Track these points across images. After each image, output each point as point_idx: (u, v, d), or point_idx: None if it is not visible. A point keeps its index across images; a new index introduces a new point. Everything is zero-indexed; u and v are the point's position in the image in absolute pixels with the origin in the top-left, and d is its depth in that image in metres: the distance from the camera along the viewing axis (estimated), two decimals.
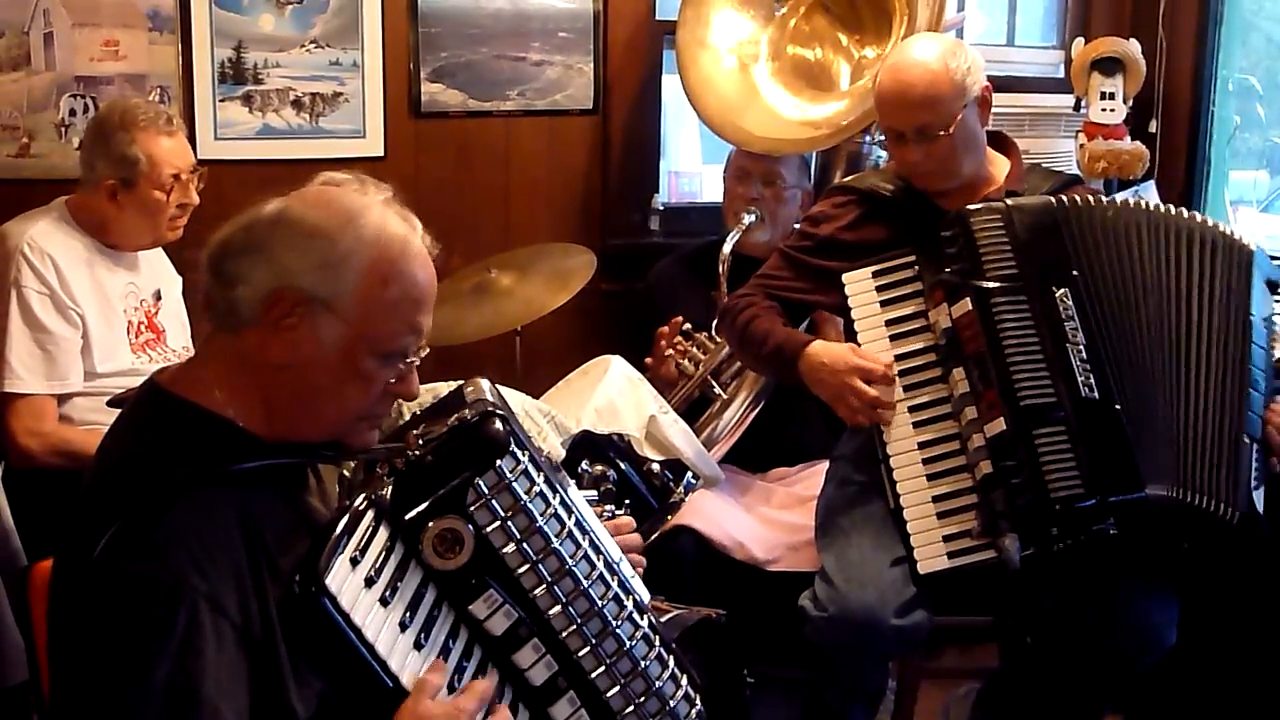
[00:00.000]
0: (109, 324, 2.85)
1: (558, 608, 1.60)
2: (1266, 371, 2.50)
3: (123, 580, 1.39)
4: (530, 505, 1.58)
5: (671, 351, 3.20)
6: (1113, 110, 3.79)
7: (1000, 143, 2.75)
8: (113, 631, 1.38)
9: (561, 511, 1.63)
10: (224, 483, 1.48)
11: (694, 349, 3.20)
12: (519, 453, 1.59)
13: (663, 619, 1.82)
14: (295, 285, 1.51)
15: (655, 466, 2.43)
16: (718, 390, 3.14)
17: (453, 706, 1.46)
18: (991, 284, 2.43)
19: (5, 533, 2.54)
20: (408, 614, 1.50)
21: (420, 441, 1.59)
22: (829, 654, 2.53)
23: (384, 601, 1.47)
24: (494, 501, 1.55)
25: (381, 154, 3.62)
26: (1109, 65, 3.79)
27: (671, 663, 1.73)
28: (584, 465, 2.13)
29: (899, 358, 2.52)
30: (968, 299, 2.43)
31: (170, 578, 1.38)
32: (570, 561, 1.61)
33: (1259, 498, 2.48)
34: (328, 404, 1.56)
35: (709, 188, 4.18)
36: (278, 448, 1.56)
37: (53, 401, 2.77)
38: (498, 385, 1.79)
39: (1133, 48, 3.80)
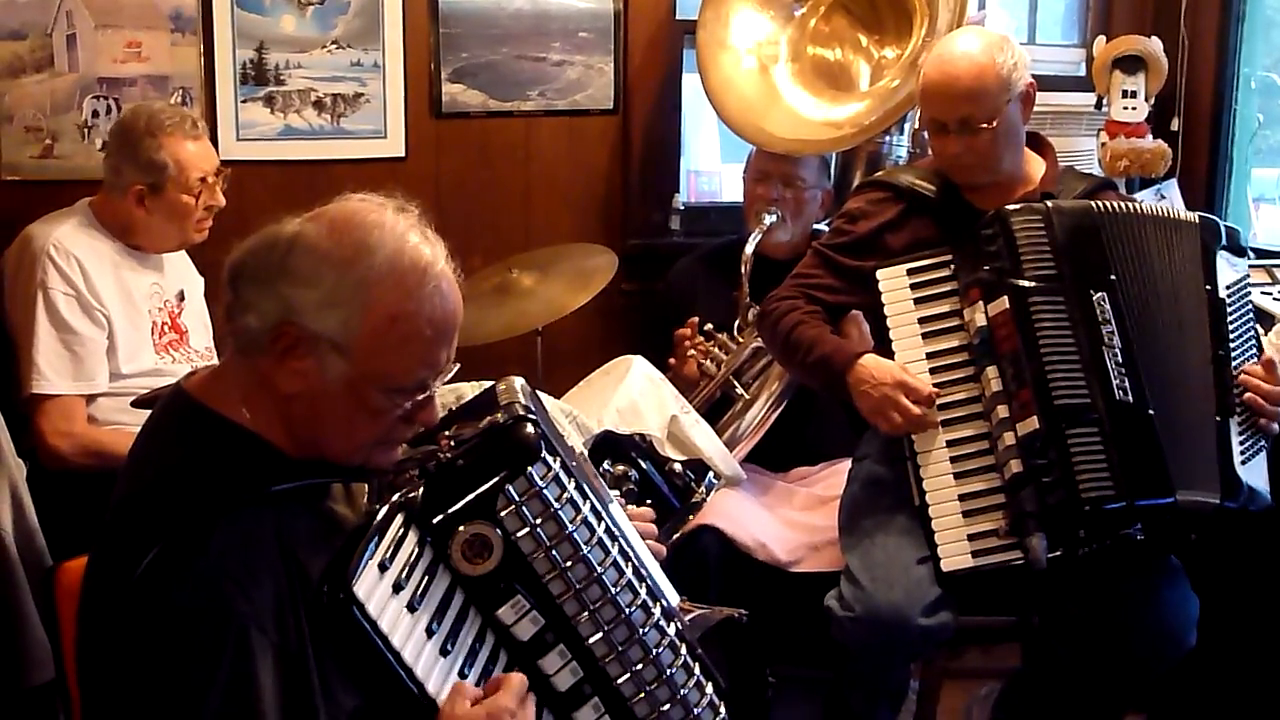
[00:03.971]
0: (134, 324, 2.87)
1: (584, 614, 1.60)
2: (1237, 340, 2.51)
3: (169, 608, 1.38)
4: (560, 512, 1.57)
5: (693, 351, 3.20)
6: (1134, 108, 3.78)
7: (1036, 143, 2.74)
8: (163, 660, 1.38)
9: (591, 518, 1.62)
10: (259, 503, 1.48)
11: (716, 349, 3.20)
12: (550, 458, 1.58)
13: (686, 619, 1.82)
14: (300, 322, 1.49)
15: (677, 466, 2.43)
16: (740, 390, 3.14)
17: (492, 705, 1.45)
18: (1029, 283, 2.43)
19: (30, 533, 2.55)
20: (435, 619, 1.50)
21: (452, 443, 1.58)
22: (855, 654, 2.53)
23: (411, 607, 1.47)
24: (524, 508, 1.54)
25: (402, 154, 3.63)
26: (1131, 63, 3.78)
27: (697, 669, 1.73)
28: (606, 465, 2.13)
29: (930, 355, 2.52)
30: (1005, 297, 2.43)
31: (216, 605, 1.38)
32: (599, 569, 1.60)
33: (1254, 470, 2.48)
34: (339, 433, 1.55)
35: (728, 187, 4.17)
36: (305, 464, 1.55)
37: (81, 402, 2.78)
38: (532, 387, 1.78)
39: (1154, 46, 3.79)
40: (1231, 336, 2.51)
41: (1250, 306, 2.61)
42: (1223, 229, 2.58)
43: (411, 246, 1.53)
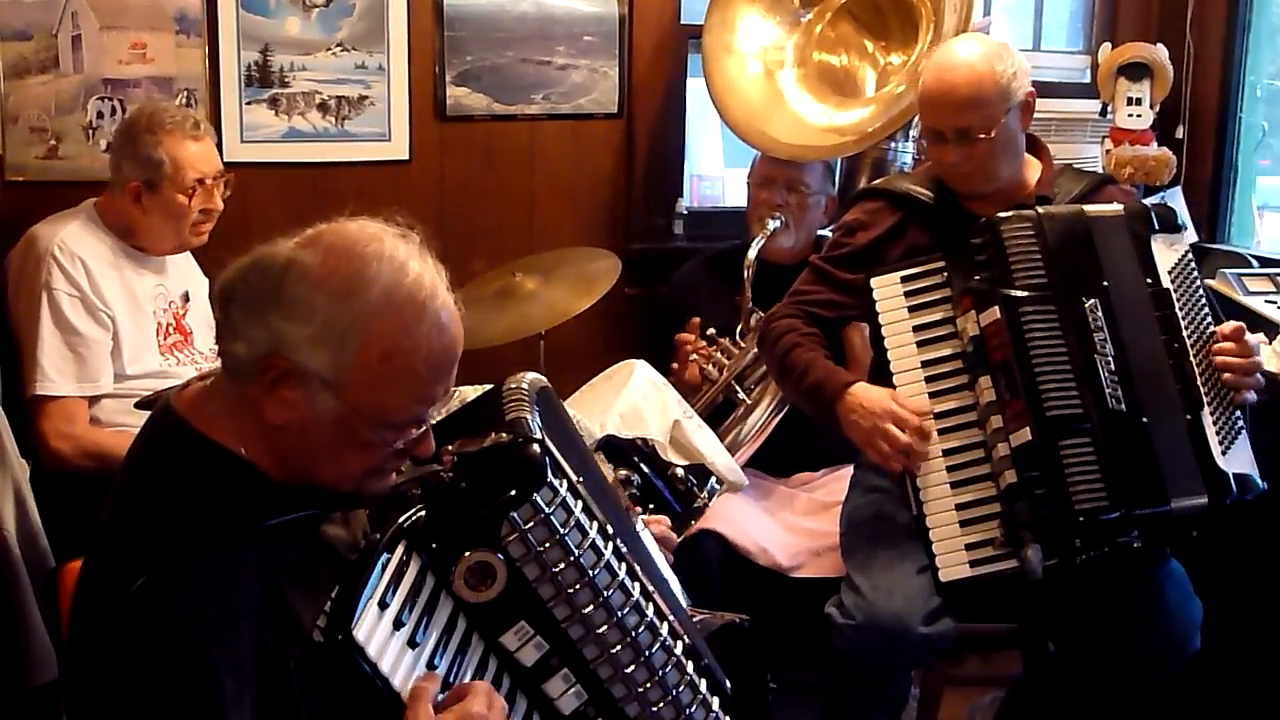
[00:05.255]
0: (138, 326, 2.87)
1: (589, 639, 1.57)
2: (1191, 325, 2.48)
3: (148, 643, 1.37)
4: (566, 537, 1.52)
5: (695, 356, 3.20)
6: (1139, 116, 3.78)
7: (1031, 145, 2.73)
8: (137, 696, 1.37)
9: (599, 540, 1.57)
10: (246, 538, 1.44)
11: (718, 354, 3.20)
12: (557, 481, 1.52)
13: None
14: (289, 356, 1.44)
15: (679, 471, 2.43)
16: (742, 395, 3.14)
17: (461, 710, 1.40)
18: (1020, 293, 2.42)
19: (33, 533, 2.55)
20: (436, 651, 1.46)
21: (455, 459, 1.54)
22: (855, 662, 2.52)
23: (413, 643, 1.43)
24: (529, 535, 1.50)
25: (406, 157, 3.63)
26: (1136, 70, 3.78)
27: (703, 685, 1.71)
28: (608, 470, 2.12)
29: (925, 364, 2.51)
30: (996, 307, 2.42)
31: (193, 649, 1.35)
32: (605, 593, 1.56)
33: (1238, 456, 2.45)
34: (329, 463, 1.50)
35: (731, 192, 4.18)
36: (295, 491, 1.51)
37: (84, 404, 2.78)
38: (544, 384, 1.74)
39: (1160, 53, 3.79)
40: (1185, 322, 2.47)
41: (1199, 283, 2.55)
42: (1152, 213, 2.54)
43: (410, 280, 1.47)
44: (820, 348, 2.68)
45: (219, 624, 1.38)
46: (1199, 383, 2.44)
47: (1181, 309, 2.48)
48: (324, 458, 1.50)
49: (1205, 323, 2.52)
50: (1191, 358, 2.45)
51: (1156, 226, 2.53)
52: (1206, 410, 2.43)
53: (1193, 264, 2.55)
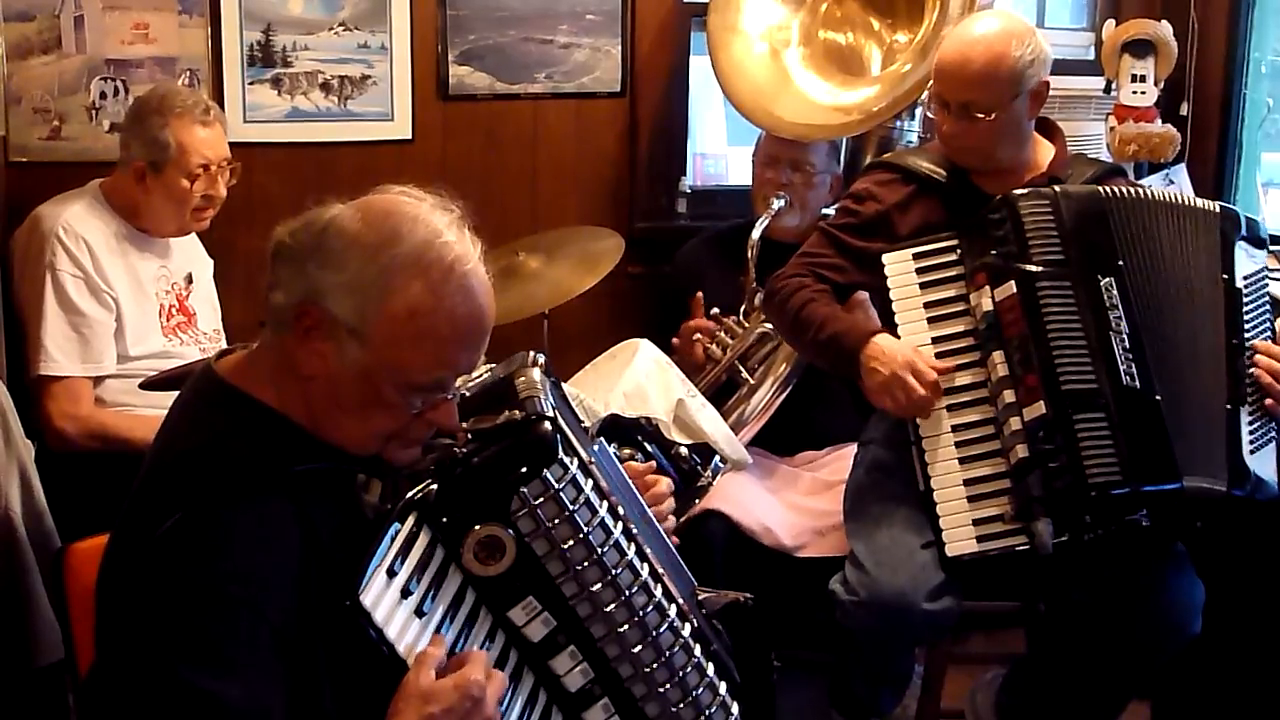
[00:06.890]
0: (141, 307, 2.88)
1: (597, 617, 1.58)
2: (1253, 331, 2.51)
3: (169, 578, 1.41)
4: (576, 515, 1.54)
5: (699, 335, 3.20)
6: (1144, 93, 3.76)
7: (1045, 128, 2.73)
8: (153, 626, 1.41)
9: (608, 519, 1.59)
10: (282, 483, 1.48)
11: (722, 333, 3.20)
12: (568, 459, 1.55)
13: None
14: (321, 304, 1.49)
15: (683, 450, 2.43)
16: (745, 374, 3.14)
17: (461, 678, 1.43)
18: (1037, 268, 2.43)
19: (39, 514, 2.56)
20: (443, 622, 1.48)
21: (469, 436, 1.56)
22: (859, 638, 2.53)
23: (420, 612, 1.46)
24: (539, 510, 1.52)
25: (409, 137, 3.63)
26: (1140, 47, 3.76)
27: (710, 669, 1.72)
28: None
29: (936, 340, 2.52)
30: (1012, 282, 2.43)
31: (211, 584, 1.40)
32: (613, 571, 1.58)
33: (1263, 460, 2.48)
34: (354, 421, 1.54)
35: (735, 170, 4.16)
36: (331, 448, 1.55)
37: (88, 384, 2.79)
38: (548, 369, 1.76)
39: (1164, 30, 3.77)
40: (1247, 327, 2.50)
41: (1267, 298, 2.60)
42: (1243, 219, 2.57)
43: (441, 243, 1.52)
44: (835, 302, 2.68)
45: (241, 563, 1.41)
46: (1246, 382, 2.47)
47: (1246, 314, 2.51)
48: (350, 414, 1.53)
49: (1265, 335, 2.55)
50: (1245, 357, 2.48)
51: (1244, 233, 2.56)
52: (1245, 409, 2.46)
53: (1268, 281, 2.60)
